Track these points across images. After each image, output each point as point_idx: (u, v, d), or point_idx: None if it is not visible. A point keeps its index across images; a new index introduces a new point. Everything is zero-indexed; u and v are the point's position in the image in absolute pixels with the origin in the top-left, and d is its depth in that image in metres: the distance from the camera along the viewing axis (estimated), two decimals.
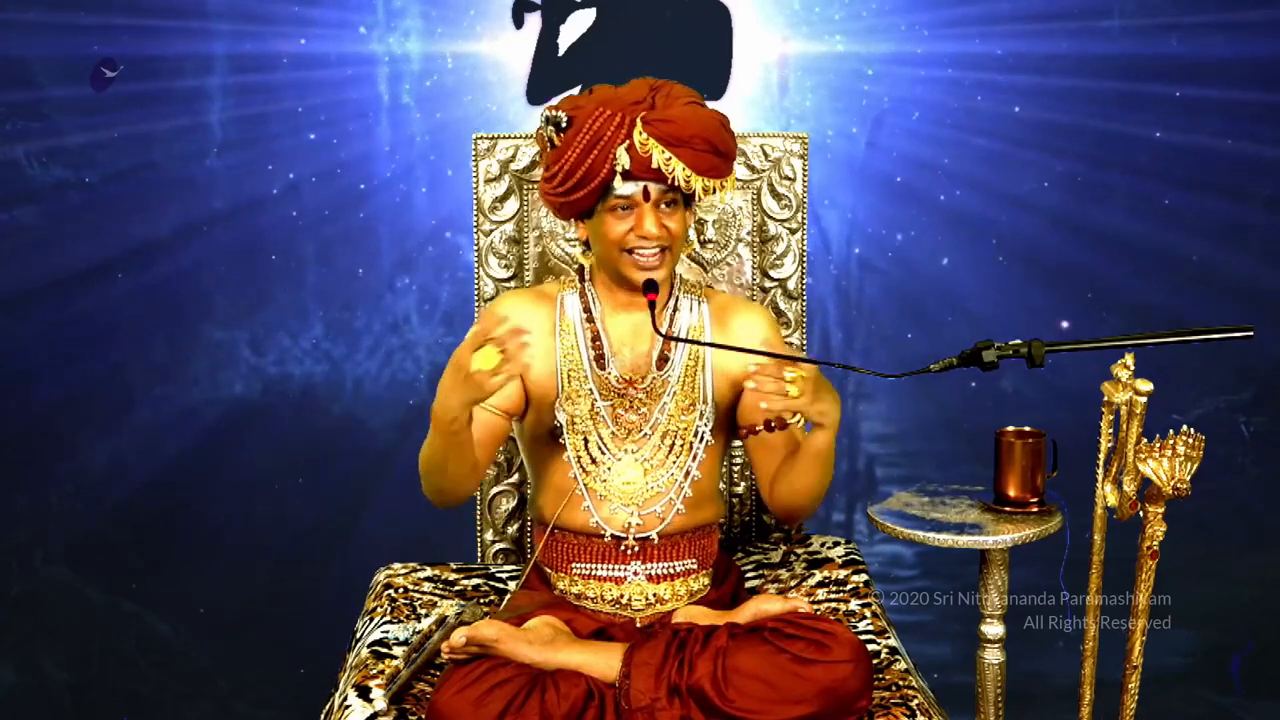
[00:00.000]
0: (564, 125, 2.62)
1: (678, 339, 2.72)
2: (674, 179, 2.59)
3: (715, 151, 2.61)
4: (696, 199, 2.66)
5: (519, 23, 4.08)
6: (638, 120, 2.59)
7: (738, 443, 3.05)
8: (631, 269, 2.65)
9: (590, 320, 2.75)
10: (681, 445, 2.73)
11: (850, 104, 4.16)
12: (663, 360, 2.74)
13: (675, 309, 2.77)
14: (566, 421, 2.72)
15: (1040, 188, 4.16)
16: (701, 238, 3.10)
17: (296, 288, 4.19)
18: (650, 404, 2.72)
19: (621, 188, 2.61)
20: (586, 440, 2.72)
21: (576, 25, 4.09)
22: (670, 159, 2.57)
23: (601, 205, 2.64)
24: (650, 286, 2.65)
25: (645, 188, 2.60)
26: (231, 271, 4.17)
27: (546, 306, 2.77)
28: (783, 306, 3.12)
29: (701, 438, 2.73)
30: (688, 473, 2.73)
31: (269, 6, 4.07)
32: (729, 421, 2.80)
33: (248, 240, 4.16)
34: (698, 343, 2.72)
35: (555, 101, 2.69)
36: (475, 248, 3.10)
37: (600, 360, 2.73)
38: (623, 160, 2.57)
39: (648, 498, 2.71)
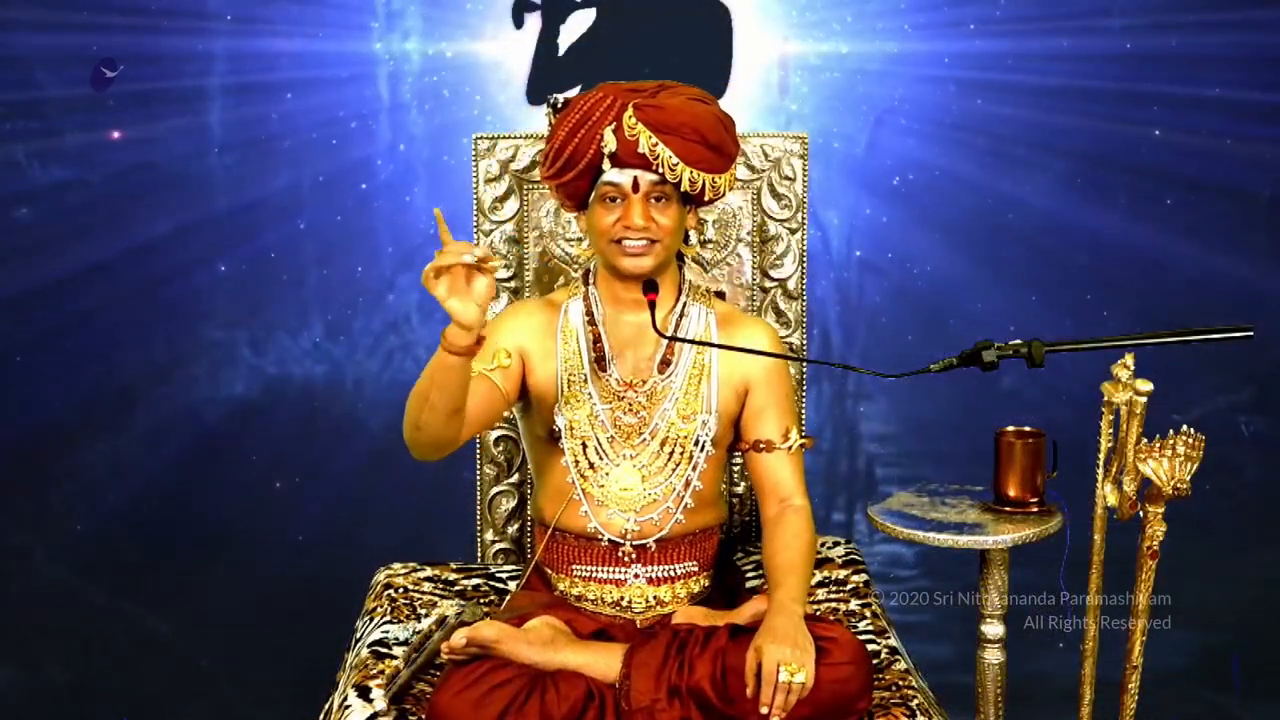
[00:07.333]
0: (560, 106, 2.63)
1: (678, 339, 2.69)
2: (659, 165, 2.56)
3: (705, 143, 2.58)
4: (693, 191, 2.60)
5: (519, 23, 4.07)
6: (630, 106, 2.57)
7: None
8: (620, 259, 2.63)
9: (592, 323, 2.73)
10: (681, 453, 2.70)
11: (850, 105, 4.15)
12: (664, 364, 2.71)
13: (682, 314, 2.74)
14: (565, 425, 2.69)
15: (1040, 188, 4.17)
16: (701, 237, 3.08)
17: (297, 287, 4.19)
18: (651, 409, 2.69)
19: (610, 174, 2.59)
20: (585, 445, 2.70)
21: (577, 25, 4.08)
22: (657, 144, 2.54)
23: (594, 195, 2.63)
24: (650, 286, 2.64)
25: (635, 178, 2.58)
26: (231, 271, 4.17)
27: (550, 312, 2.76)
28: (783, 306, 3.11)
29: (702, 447, 2.70)
30: (688, 482, 2.70)
31: (269, 7, 4.07)
32: (733, 432, 2.77)
33: (248, 240, 4.16)
34: (699, 342, 2.70)
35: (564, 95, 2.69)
36: None
37: (601, 362, 2.71)
38: (610, 143, 2.56)
39: (645, 504, 2.69)
